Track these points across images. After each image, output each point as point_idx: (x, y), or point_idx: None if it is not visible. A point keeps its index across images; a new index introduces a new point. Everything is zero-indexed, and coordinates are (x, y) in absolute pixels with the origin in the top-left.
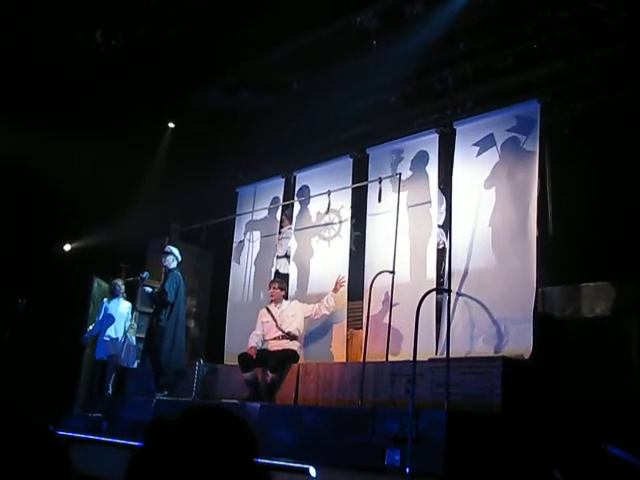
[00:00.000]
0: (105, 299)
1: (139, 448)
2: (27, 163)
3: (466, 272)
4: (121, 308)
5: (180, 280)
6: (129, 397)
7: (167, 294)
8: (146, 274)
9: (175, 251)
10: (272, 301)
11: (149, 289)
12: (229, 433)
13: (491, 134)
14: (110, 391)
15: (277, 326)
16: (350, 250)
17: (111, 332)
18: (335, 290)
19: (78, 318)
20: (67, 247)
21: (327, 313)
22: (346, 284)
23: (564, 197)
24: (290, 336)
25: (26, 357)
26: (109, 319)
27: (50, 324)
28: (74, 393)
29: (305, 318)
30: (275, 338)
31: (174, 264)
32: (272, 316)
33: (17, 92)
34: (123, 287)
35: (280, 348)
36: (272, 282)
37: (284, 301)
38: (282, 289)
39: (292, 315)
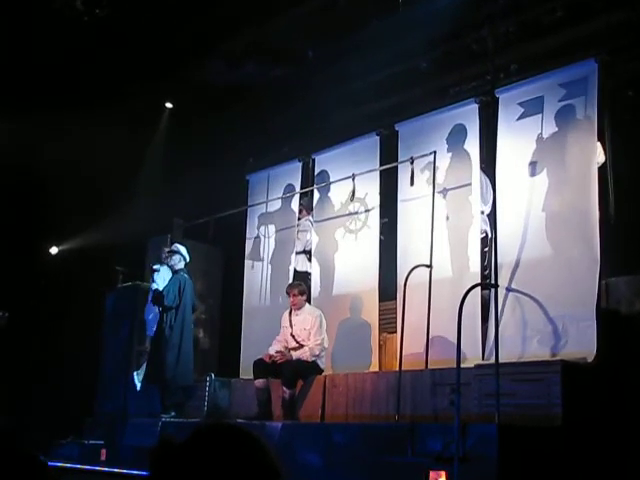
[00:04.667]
0: (155, 266)
1: (145, 477)
2: (5, 151)
3: (517, 264)
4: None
5: (184, 283)
6: (131, 419)
7: (164, 297)
8: (158, 266)
9: (182, 250)
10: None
11: (155, 285)
12: (246, 456)
13: (541, 97)
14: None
15: (291, 334)
16: (380, 242)
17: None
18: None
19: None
20: (54, 250)
21: (318, 353)
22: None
23: (629, 172)
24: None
25: (10, 376)
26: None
27: (35, 338)
28: (68, 417)
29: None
30: (292, 348)
31: (181, 264)
32: (290, 322)
33: None
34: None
35: (293, 359)
36: (291, 288)
37: (305, 307)
38: (302, 293)
39: (305, 329)
